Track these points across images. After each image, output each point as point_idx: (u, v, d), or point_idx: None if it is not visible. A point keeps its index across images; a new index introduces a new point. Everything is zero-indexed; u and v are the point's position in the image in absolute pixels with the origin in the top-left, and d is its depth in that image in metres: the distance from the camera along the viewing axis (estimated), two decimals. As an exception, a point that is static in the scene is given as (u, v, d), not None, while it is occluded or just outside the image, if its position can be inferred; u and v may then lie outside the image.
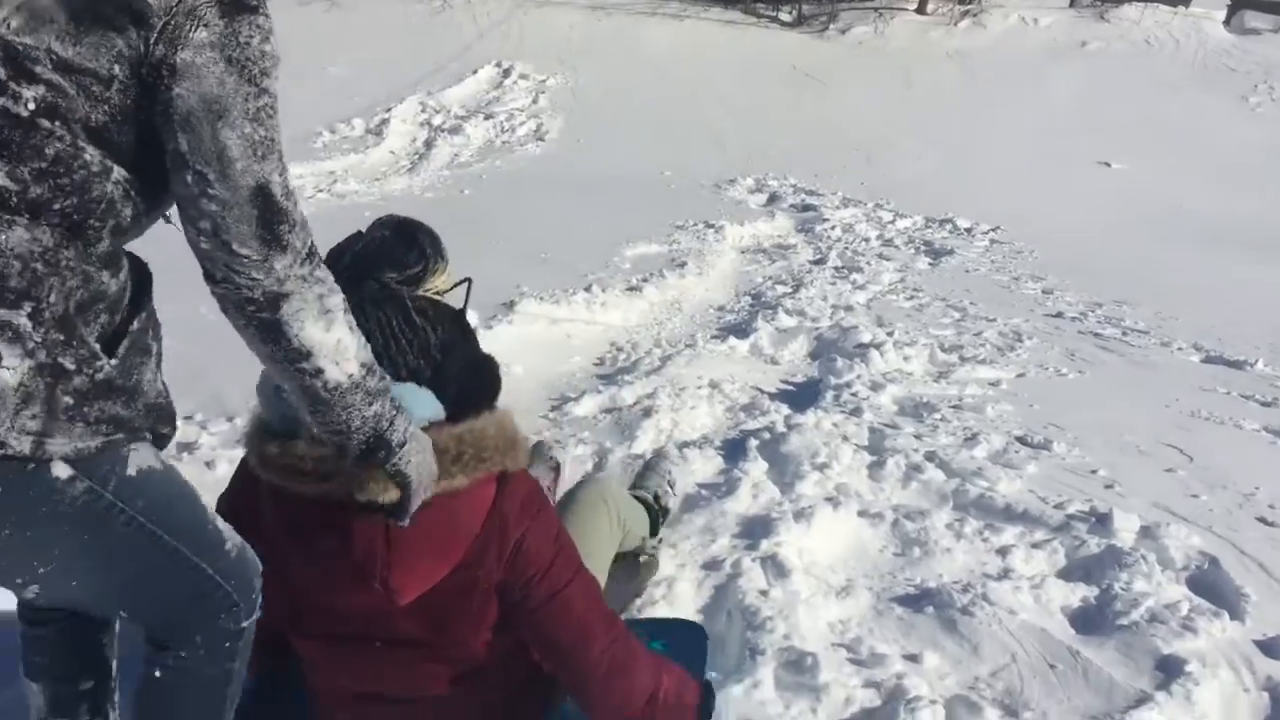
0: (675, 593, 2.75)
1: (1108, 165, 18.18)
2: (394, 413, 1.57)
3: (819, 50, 25.06)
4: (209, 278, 1.39)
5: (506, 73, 21.02)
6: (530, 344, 5.42)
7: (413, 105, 18.71)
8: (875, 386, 4.60)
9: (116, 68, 1.27)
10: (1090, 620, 2.78)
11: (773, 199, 14.15)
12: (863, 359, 5.05)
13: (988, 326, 6.61)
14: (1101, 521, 3.26)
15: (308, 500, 1.70)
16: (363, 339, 1.52)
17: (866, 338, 5.54)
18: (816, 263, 9.27)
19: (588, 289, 6.83)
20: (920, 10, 27.70)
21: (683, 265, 8.36)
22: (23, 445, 1.27)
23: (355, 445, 1.54)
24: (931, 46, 25.65)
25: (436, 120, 18.32)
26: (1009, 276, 9.24)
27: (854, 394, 4.48)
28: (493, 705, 1.99)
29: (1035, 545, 3.15)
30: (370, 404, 1.51)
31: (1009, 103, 21.57)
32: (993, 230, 12.24)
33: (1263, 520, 3.39)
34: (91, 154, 1.29)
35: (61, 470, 1.34)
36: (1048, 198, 15.52)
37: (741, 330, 6.00)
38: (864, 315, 6.66)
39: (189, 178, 1.32)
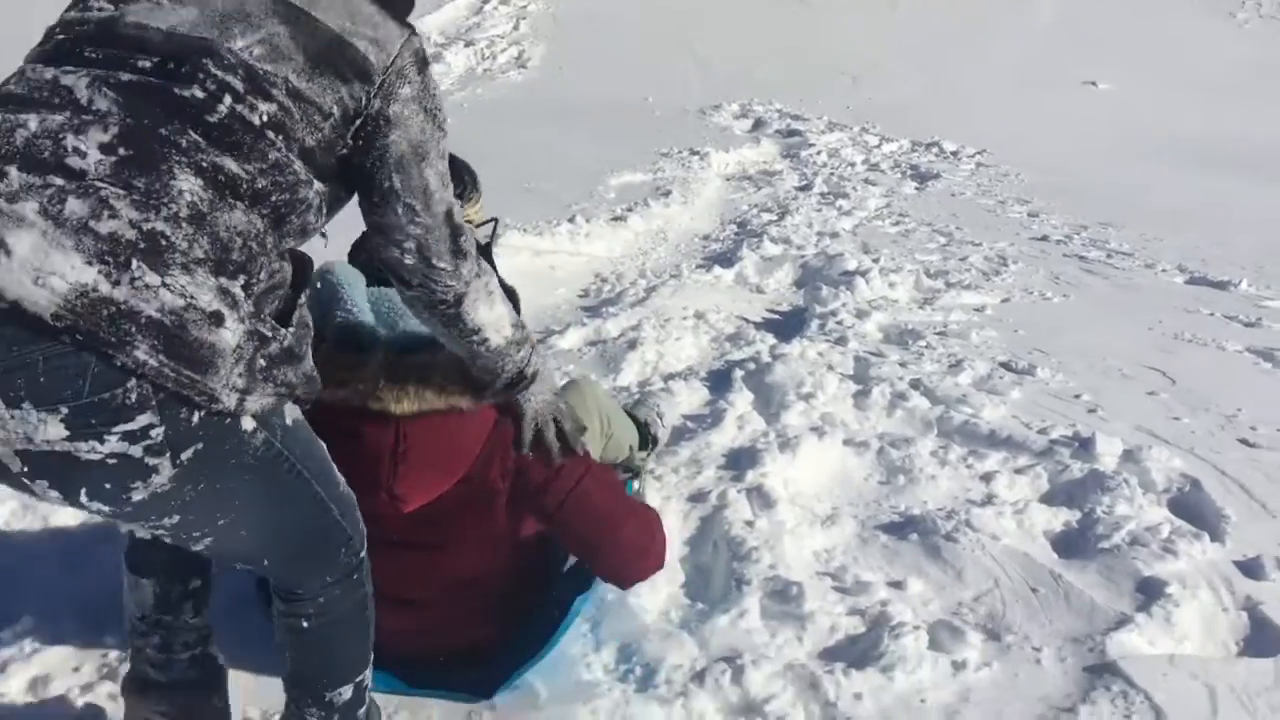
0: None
1: (1094, 85, 18.05)
2: (530, 352, 1.98)
3: (803, -30, 24.72)
4: (405, 284, 1.72)
5: (486, -1, 20.68)
6: (514, 276, 5.35)
7: (391, 34, 18.43)
8: (860, 314, 4.60)
9: (335, 108, 1.53)
10: (1072, 544, 2.80)
11: (758, 124, 14.02)
12: (848, 286, 5.04)
13: (973, 251, 6.60)
14: (1084, 446, 3.27)
15: (324, 404, 1.75)
16: (510, 305, 1.89)
17: (852, 265, 5.53)
18: (802, 189, 9.21)
19: (571, 220, 6.78)
20: (906, -71, 27.24)
21: (667, 194, 8.30)
22: (230, 401, 1.41)
23: (501, 382, 1.95)
24: (917, -35, 25.24)
25: (415, 48, 18.07)
26: (995, 200, 9.21)
27: (839, 322, 4.48)
28: (490, 609, 2.19)
29: (1019, 471, 3.16)
30: (518, 351, 1.93)
31: (995, 23, 21.34)
32: (979, 153, 12.17)
33: (1244, 441, 3.42)
34: (299, 166, 1.51)
35: (248, 424, 1.48)
36: (1034, 120, 15.43)
37: (727, 259, 5.98)
38: (850, 242, 6.64)
39: (399, 209, 1.62)
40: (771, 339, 4.32)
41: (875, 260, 5.87)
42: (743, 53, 19.07)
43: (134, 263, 1.31)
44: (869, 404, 3.57)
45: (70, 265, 1.28)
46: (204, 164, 1.41)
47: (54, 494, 1.41)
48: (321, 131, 1.53)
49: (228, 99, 1.45)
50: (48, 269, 1.27)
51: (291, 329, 1.53)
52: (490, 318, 1.83)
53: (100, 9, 1.52)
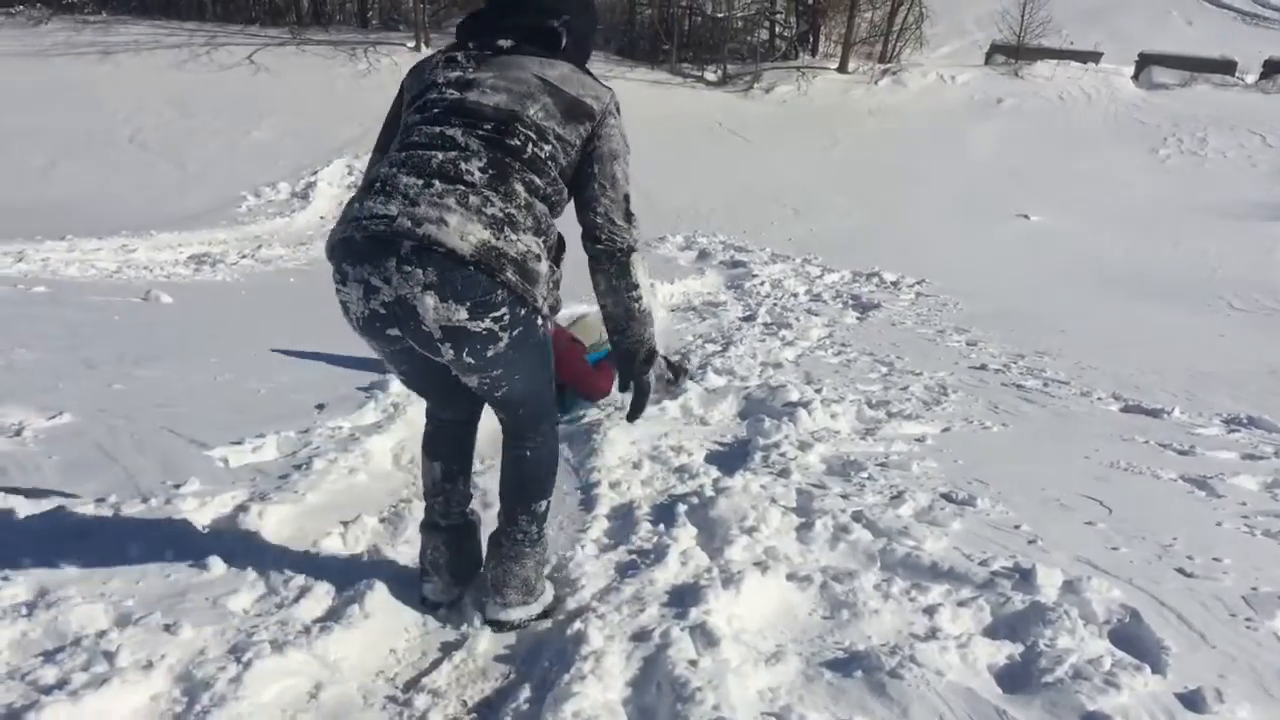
0: (604, 666, 2.71)
1: (1027, 218, 18.66)
2: (654, 337, 2.98)
3: (744, 109, 25.55)
4: (594, 240, 2.75)
5: (435, 134, 21.07)
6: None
7: (339, 168, 18.66)
8: (803, 446, 4.63)
9: (576, 140, 2.69)
10: (1016, 678, 2.79)
11: (702, 255, 14.29)
12: (791, 418, 5.09)
13: (914, 380, 6.71)
14: (1025, 577, 3.29)
15: None
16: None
17: (795, 396, 5.58)
18: (746, 319, 9.35)
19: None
20: (842, 69, 28.36)
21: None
22: (541, 304, 2.59)
23: (643, 351, 2.93)
24: (854, 104, 26.28)
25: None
26: (934, 329, 9.40)
27: (782, 454, 4.50)
28: None
29: (961, 604, 3.16)
30: (650, 326, 2.93)
31: (930, 157, 22.11)
32: (918, 283, 12.47)
33: (1181, 571, 3.45)
34: (558, 176, 2.68)
35: (539, 320, 2.64)
36: (970, 250, 15.89)
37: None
38: (793, 373, 6.73)
39: (595, 187, 2.73)
40: (715, 471, 4.33)
41: (818, 391, 5.95)
42: (687, 186, 19.53)
43: (505, 228, 2.50)
44: (812, 537, 3.57)
45: (477, 230, 2.45)
46: (526, 180, 2.59)
47: (449, 351, 2.56)
48: (568, 155, 2.69)
49: (530, 144, 2.61)
50: (467, 232, 2.43)
51: (559, 269, 2.73)
52: (645, 281, 2.83)
53: (450, 94, 2.64)
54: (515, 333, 2.55)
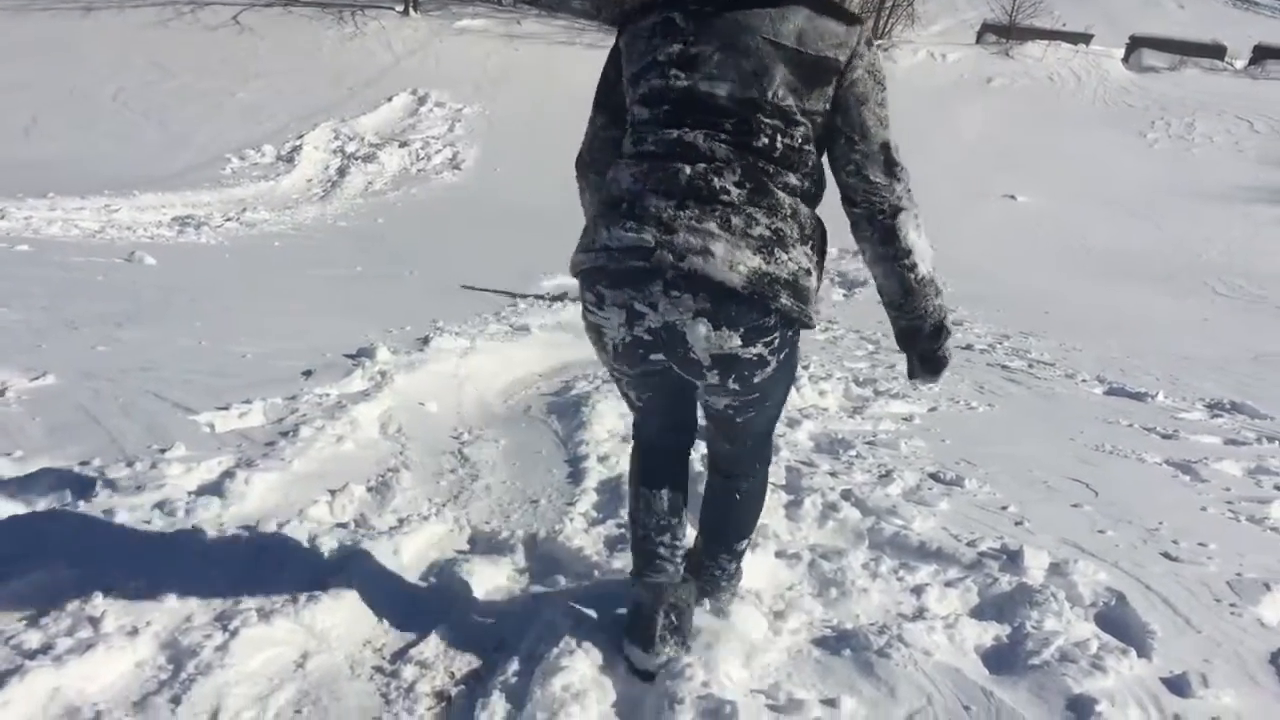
0: (592, 640, 2.71)
1: (1013, 198, 18.68)
2: (946, 307, 2.47)
3: (733, 82, 25.42)
4: (850, 202, 2.32)
5: (422, 100, 20.90)
6: (441, 380, 5.35)
7: (325, 132, 18.48)
8: (792, 423, 4.63)
9: (824, 104, 2.26)
10: (1003, 660, 2.80)
11: (689, 229, 14.21)
12: (778, 394, 5.08)
13: (900, 359, 6.69)
14: (1012, 559, 3.30)
15: None
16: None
17: (782, 371, 5.58)
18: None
19: (508, 323, 6.79)
20: (832, 44, 28.01)
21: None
22: (813, 320, 2.30)
23: (928, 327, 2.43)
24: (843, 80, 25.97)
25: (350, 147, 18.12)
26: (920, 308, 9.39)
27: (770, 431, 4.50)
28: None
29: (949, 584, 3.17)
30: (937, 296, 2.42)
31: (919, 136, 22.02)
32: (904, 261, 12.45)
33: (1167, 555, 3.47)
34: (815, 159, 2.30)
35: (799, 330, 2.37)
36: (957, 229, 15.87)
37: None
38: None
39: (842, 141, 2.28)
40: (703, 447, 4.31)
41: (805, 367, 5.94)
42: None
43: (774, 249, 2.20)
44: (800, 514, 3.57)
45: (746, 257, 2.16)
46: (783, 182, 2.25)
47: (715, 377, 2.31)
48: (815, 124, 2.27)
49: (779, 138, 2.24)
50: (736, 261, 2.15)
51: (824, 263, 2.41)
52: (920, 245, 2.33)
53: (676, 80, 2.25)
54: (783, 355, 2.34)
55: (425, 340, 5.87)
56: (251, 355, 5.17)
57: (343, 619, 2.76)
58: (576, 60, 23.99)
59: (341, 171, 16.97)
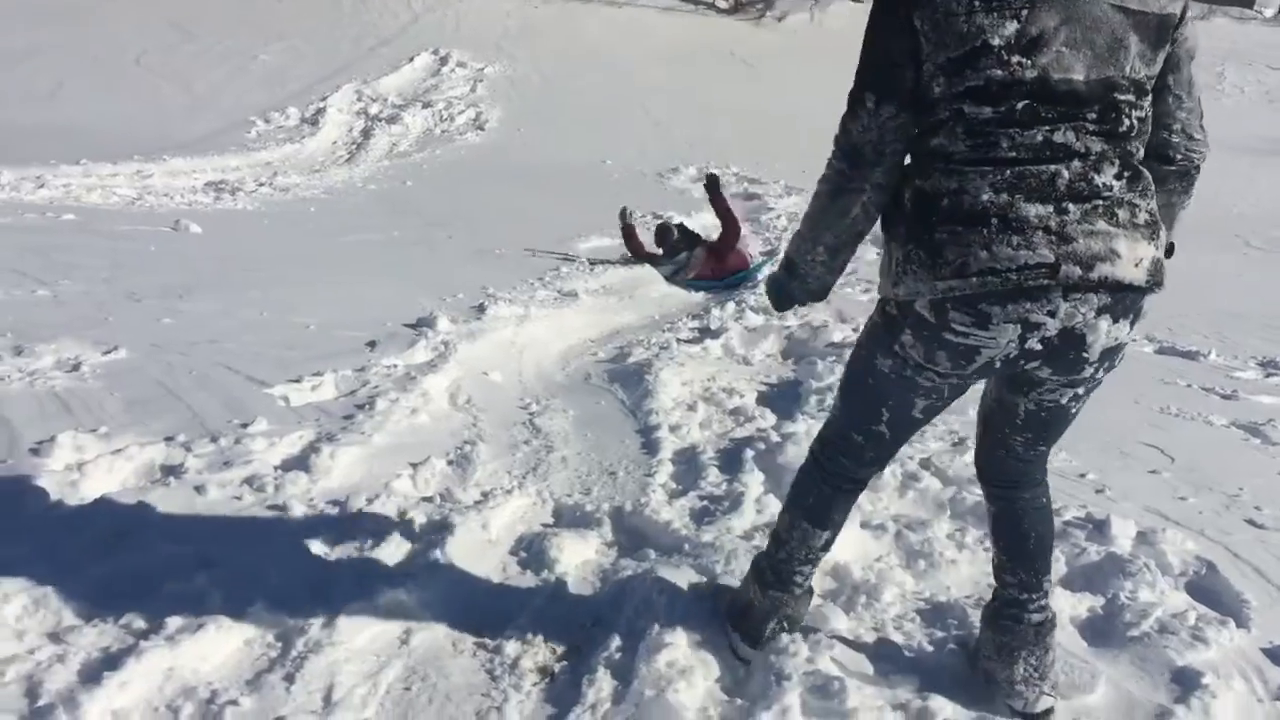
0: (693, 615, 2.71)
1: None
2: None
3: (757, 37, 25.14)
4: (1167, 160, 2.18)
5: (444, 60, 20.75)
6: (501, 348, 5.35)
7: (348, 94, 18.38)
8: (858, 391, 4.61)
9: (1159, 65, 2.07)
10: (1100, 631, 2.80)
11: (718, 188, 14.11)
12: (839, 360, 5.05)
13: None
14: (1099, 528, 3.29)
15: None
16: None
17: (837, 336, 5.56)
18: (767, 254, 9.28)
19: (555, 289, 6.81)
20: (856, -3, 27.76)
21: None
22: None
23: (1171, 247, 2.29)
24: (867, 33, 25.65)
25: (374, 109, 18.03)
26: (960, 267, 9.32)
27: (837, 398, 4.48)
28: None
29: (1037, 554, 3.16)
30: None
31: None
32: (938, 218, 12.36)
33: (1251, 522, 3.46)
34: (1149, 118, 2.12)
35: None
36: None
37: (713, 331, 5.98)
38: (824, 310, 6.68)
39: (1170, 99, 2.13)
40: (770, 415, 4.32)
41: (855, 329, 5.91)
42: (698, 116, 19.26)
43: (1157, 232, 2.08)
44: (881, 485, 3.56)
45: (1144, 249, 2.03)
46: (1142, 159, 2.10)
47: (1093, 371, 2.17)
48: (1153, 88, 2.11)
49: (1135, 113, 2.05)
50: (1139, 257, 2.02)
51: None
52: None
53: (1022, 71, 1.97)
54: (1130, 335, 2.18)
55: (481, 308, 5.86)
56: (314, 326, 5.17)
57: (440, 594, 2.78)
58: (596, 16, 23.79)
59: (366, 133, 16.88)
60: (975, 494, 3.50)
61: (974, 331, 2.05)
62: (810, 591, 2.66)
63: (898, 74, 2.05)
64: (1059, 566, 3.12)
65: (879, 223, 2.23)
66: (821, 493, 2.51)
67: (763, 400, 4.64)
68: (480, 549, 3.05)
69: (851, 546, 3.13)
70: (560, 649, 2.64)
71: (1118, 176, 2.02)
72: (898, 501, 3.50)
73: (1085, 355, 2.10)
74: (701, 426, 4.21)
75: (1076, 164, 2.00)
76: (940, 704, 2.41)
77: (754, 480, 3.55)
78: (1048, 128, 1.98)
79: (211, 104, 17.20)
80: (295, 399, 4.01)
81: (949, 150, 2.03)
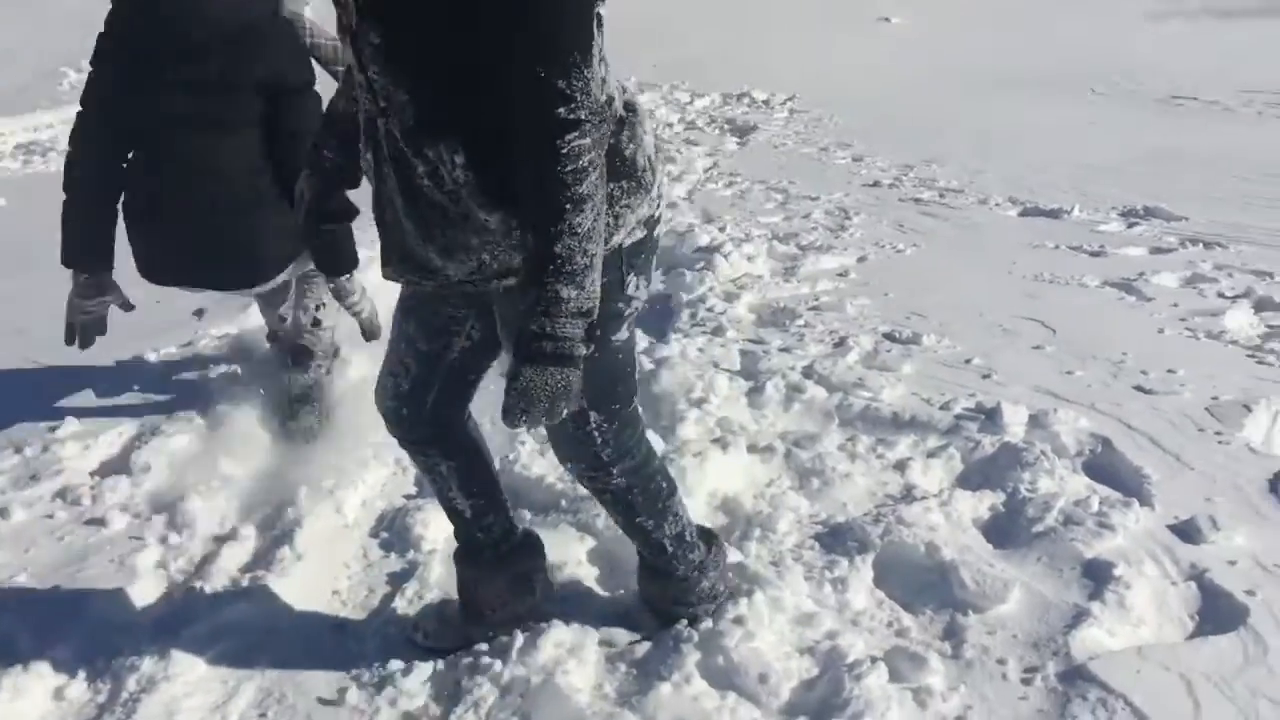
0: (577, 585, 2.48)
1: (888, 21, 18.37)
2: None
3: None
4: None
5: (261, -15, 19.51)
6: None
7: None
8: (729, 296, 4.38)
9: None
10: (1004, 531, 2.66)
11: (567, 92, 13.67)
12: (708, 266, 4.81)
13: (813, 206, 6.50)
14: (990, 417, 3.15)
15: None
16: None
17: (704, 240, 5.31)
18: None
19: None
20: (683, -123, 27.04)
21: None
22: None
23: None
24: (700, -86, 25.15)
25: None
26: (817, 148, 9.16)
27: (710, 309, 4.24)
28: None
29: (931, 454, 3.02)
30: None
31: (785, -35, 21.49)
32: (789, 99, 12.16)
33: (1140, 389, 3.36)
34: None
35: None
36: (835, 59, 15.57)
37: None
38: (690, 211, 6.44)
39: None
40: (644, 337, 4.06)
41: (722, 229, 5.68)
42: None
43: None
44: (764, 401, 3.35)
45: None
46: None
47: None
48: None
49: None
50: None
51: None
52: None
53: None
54: None
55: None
56: (135, 300, 4.67)
57: (293, 596, 2.49)
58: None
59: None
60: (863, 396, 3.33)
61: (663, 211, 1.97)
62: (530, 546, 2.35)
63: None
64: (955, 465, 2.98)
65: (492, 211, 1.69)
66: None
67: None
68: (335, 535, 2.75)
69: (740, 475, 2.92)
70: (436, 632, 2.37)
71: None
72: (784, 417, 3.30)
73: None
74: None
75: None
76: (850, 641, 2.23)
77: (629, 414, 3.29)
78: None
79: (15, 57, 15.84)
80: (111, 389, 3.59)
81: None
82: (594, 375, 1.74)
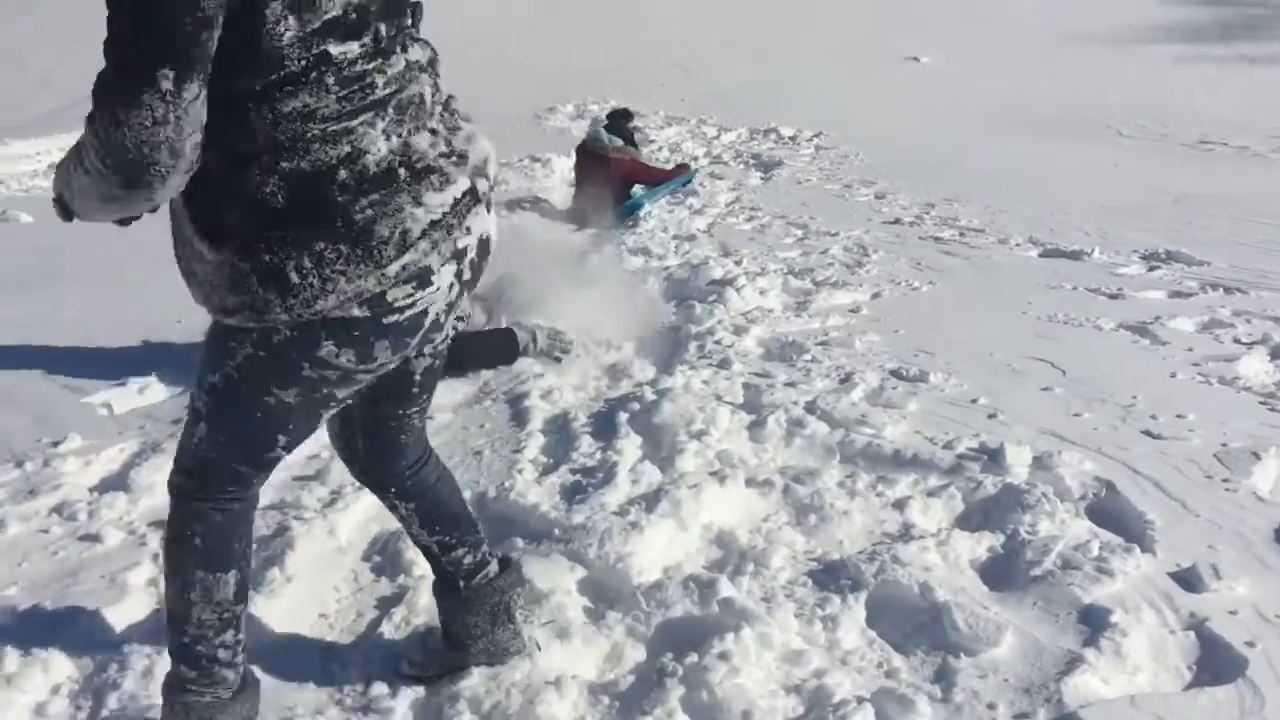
0: (566, 616, 2.46)
1: (916, 60, 18.42)
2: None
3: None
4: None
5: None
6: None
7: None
8: (738, 330, 4.37)
9: None
10: (1001, 574, 2.61)
11: (596, 123, 13.76)
12: (719, 299, 4.81)
13: (832, 242, 6.49)
14: (993, 458, 3.11)
15: None
16: None
17: (718, 273, 5.31)
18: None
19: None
20: (718, -85, 27.32)
21: (519, 205, 8.07)
22: None
23: None
24: (734, -48, 25.37)
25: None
26: (840, 184, 9.17)
27: (718, 341, 4.23)
28: None
29: (931, 494, 2.98)
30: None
31: (817, 4, 21.60)
32: (816, 136, 12.20)
33: (1148, 434, 3.31)
34: None
35: None
36: (863, 97, 15.64)
37: (588, 278, 5.69)
38: (708, 245, 6.45)
39: None
40: (650, 369, 4.06)
41: (738, 263, 5.68)
42: (568, 51, 18.79)
43: None
44: (765, 435, 3.33)
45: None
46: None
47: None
48: None
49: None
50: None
51: None
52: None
53: None
54: None
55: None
56: (148, 322, 4.72)
57: (281, 617, 2.49)
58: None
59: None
60: (865, 434, 3.30)
61: (418, 295, 1.68)
62: (256, 682, 2.06)
63: (205, 31, 1.41)
64: (955, 505, 2.94)
65: (203, 242, 1.63)
66: (210, 527, 1.90)
67: (642, 351, 4.36)
68: (328, 558, 2.74)
69: (737, 509, 2.90)
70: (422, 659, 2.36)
71: (433, 70, 1.79)
72: (784, 451, 3.27)
73: (487, 260, 1.88)
74: (576, 389, 3.92)
75: (425, 76, 1.74)
76: (837, 679, 2.20)
77: (629, 445, 3.27)
78: (400, 46, 1.68)
79: (51, 83, 16.24)
80: (119, 406, 3.61)
81: (318, 109, 1.55)
82: (228, 408, 1.77)
